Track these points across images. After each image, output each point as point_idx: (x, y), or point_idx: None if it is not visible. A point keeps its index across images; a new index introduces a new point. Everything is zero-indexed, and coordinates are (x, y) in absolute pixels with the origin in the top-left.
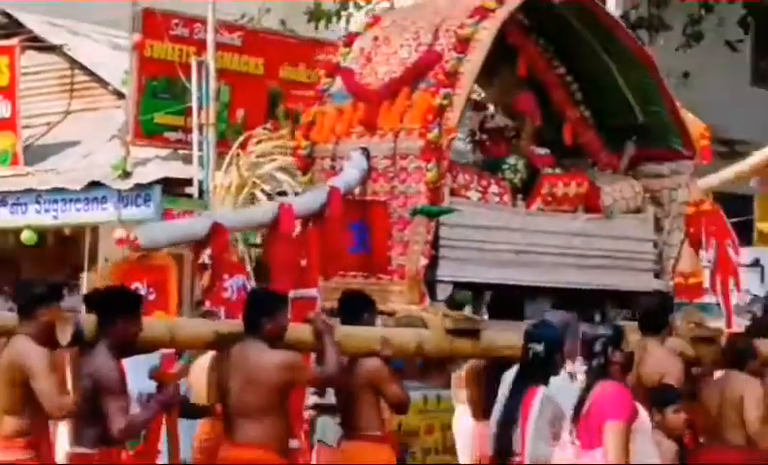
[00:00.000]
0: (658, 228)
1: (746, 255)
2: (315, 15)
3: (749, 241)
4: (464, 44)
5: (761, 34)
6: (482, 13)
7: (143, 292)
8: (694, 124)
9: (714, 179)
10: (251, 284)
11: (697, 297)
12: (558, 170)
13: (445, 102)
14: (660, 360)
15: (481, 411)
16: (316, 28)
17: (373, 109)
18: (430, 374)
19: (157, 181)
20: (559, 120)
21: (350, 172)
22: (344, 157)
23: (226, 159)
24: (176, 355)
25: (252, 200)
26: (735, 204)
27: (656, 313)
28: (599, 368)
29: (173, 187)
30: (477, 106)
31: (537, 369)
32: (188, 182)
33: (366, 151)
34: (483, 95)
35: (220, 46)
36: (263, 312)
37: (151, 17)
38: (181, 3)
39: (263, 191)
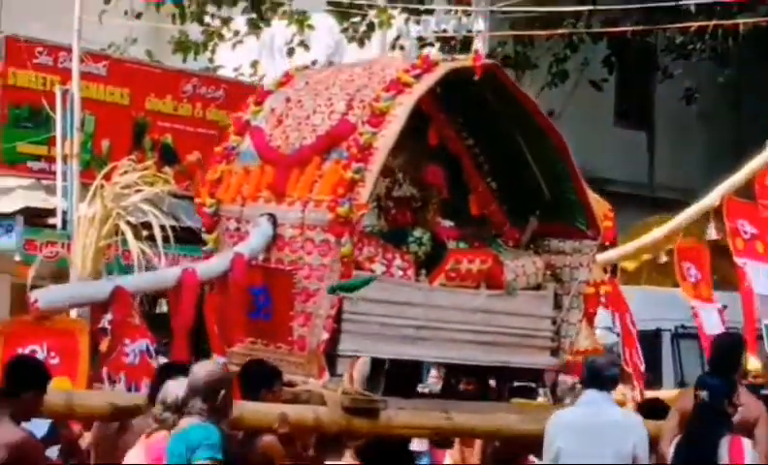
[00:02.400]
0: (557, 305)
1: None
2: (181, 47)
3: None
4: (378, 117)
5: (625, 74)
6: (398, 87)
7: (41, 355)
8: (599, 204)
9: (613, 254)
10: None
11: None
12: (463, 244)
13: (357, 176)
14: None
15: None
16: (184, 60)
17: (282, 175)
18: (326, 450)
19: (19, 211)
20: (464, 190)
21: (256, 239)
22: (250, 220)
23: (90, 190)
24: None
25: (117, 231)
26: None
27: (728, 353)
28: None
29: (35, 217)
30: (385, 172)
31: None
32: (51, 213)
33: (272, 217)
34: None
35: (85, 76)
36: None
37: (15, 45)
38: (46, 30)
39: (128, 223)
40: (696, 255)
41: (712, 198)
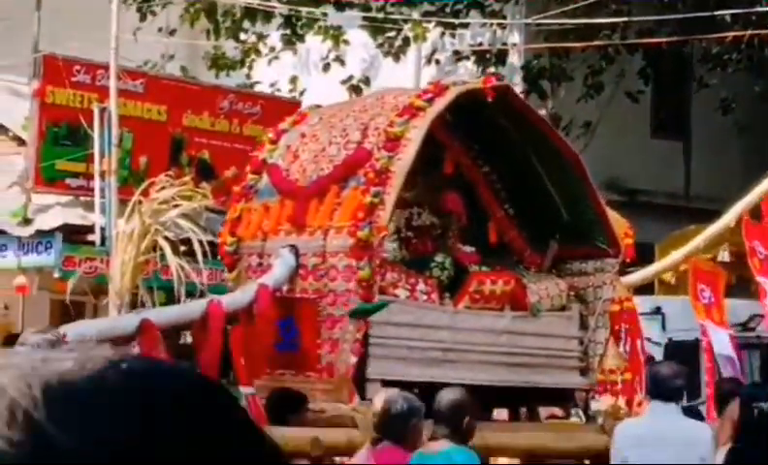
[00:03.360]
0: (583, 325)
1: (647, 303)
2: (216, 64)
3: (650, 290)
4: (394, 142)
5: (661, 85)
6: (411, 111)
7: None
8: (618, 223)
9: (636, 277)
10: None
11: (628, 395)
12: (485, 268)
13: (376, 200)
14: None
15: None
16: (216, 76)
17: (302, 207)
18: None
19: (58, 228)
20: (484, 218)
21: (279, 270)
22: (272, 254)
23: (128, 206)
24: None
25: (155, 247)
26: (637, 253)
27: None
28: None
29: (74, 234)
30: (402, 203)
31: None
32: (90, 229)
33: (294, 248)
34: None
35: (122, 93)
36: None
37: (53, 63)
38: (83, 49)
39: (166, 238)
40: (712, 278)
41: (727, 218)
